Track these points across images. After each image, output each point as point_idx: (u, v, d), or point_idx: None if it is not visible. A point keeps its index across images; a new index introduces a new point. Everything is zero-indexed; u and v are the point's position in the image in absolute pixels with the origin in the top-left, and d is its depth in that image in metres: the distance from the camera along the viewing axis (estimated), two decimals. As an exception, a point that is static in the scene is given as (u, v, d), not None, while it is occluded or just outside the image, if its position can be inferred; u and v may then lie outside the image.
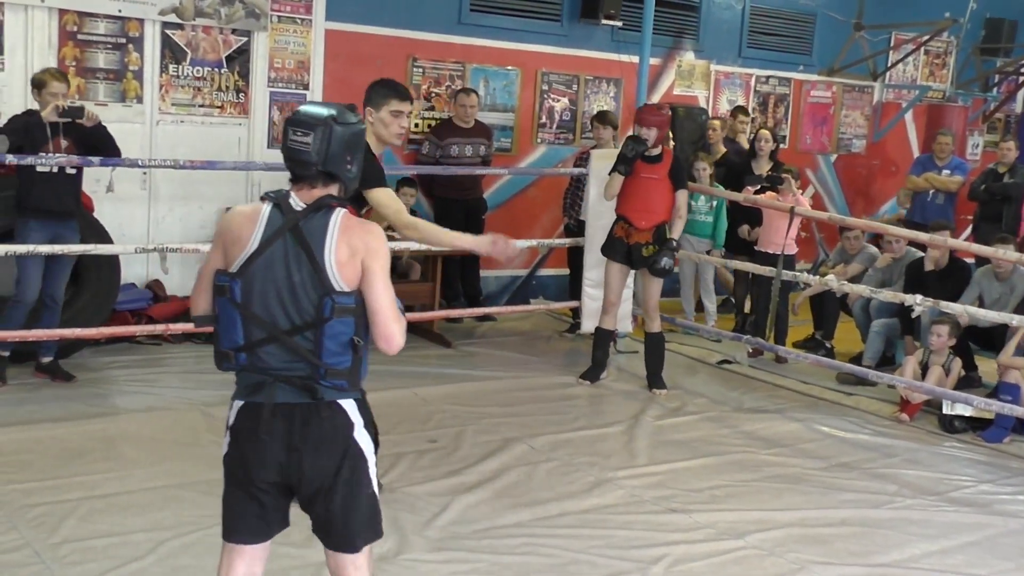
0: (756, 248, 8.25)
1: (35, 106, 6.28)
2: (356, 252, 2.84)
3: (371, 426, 2.99)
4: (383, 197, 4.43)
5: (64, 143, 6.19)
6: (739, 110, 10.04)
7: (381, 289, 2.86)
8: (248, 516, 2.94)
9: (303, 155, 2.88)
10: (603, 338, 7.19)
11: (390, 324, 2.88)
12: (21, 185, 6.18)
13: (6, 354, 6.32)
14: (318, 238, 2.83)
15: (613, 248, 6.95)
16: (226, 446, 2.97)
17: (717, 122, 9.80)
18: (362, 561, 2.99)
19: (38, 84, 6.20)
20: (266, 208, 2.91)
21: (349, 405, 2.90)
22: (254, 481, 2.90)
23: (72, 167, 6.23)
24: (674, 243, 6.80)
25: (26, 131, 6.09)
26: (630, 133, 7.00)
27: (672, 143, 9.05)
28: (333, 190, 2.94)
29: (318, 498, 2.90)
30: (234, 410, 2.96)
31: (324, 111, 2.92)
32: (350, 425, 2.90)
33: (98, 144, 6.31)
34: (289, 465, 2.86)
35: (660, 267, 6.72)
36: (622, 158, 6.81)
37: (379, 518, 3.00)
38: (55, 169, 6.15)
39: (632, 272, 7.12)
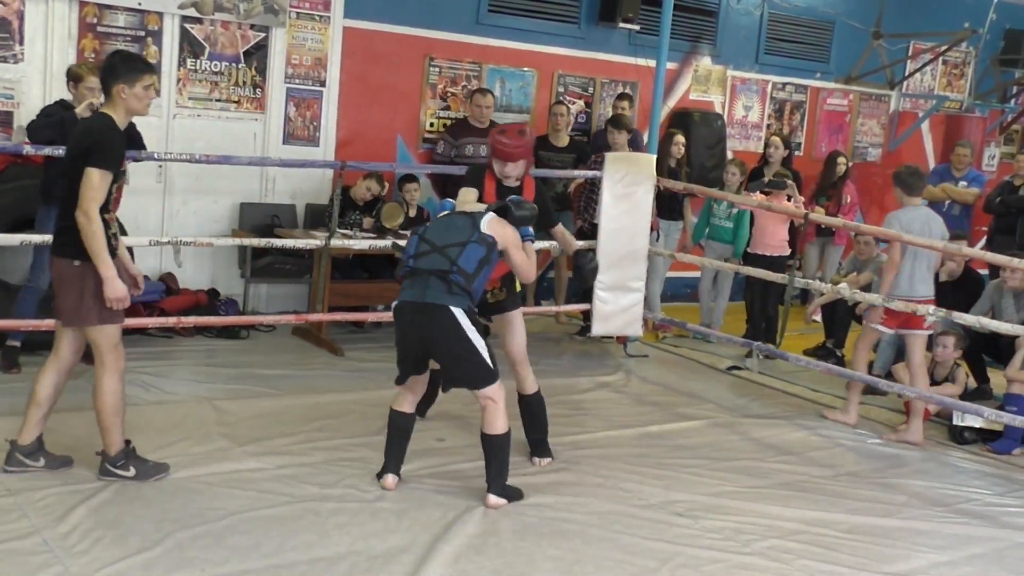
0: (747, 250, 8.34)
1: (68, 97, 6.31)
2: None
3: (476, 325, 4.72)
4: (93, 177, 4.44)
5: None
6: (623, 97, 9.35)
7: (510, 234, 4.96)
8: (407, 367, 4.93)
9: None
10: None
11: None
12: (47, 175, 6.21)
13: (17, 344, 6.39)
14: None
15: None
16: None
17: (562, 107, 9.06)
18: (491, 392, 4.80)
19: (75, 77, 6.22)
20: None
21: (459, 313, 4.67)
22: (407, 349, 4.83)
23: None
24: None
25: (61, 126, 6.09)
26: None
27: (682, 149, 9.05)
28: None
29: (446, 362, 4.85)
30: (395, 303, 4.82)
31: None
32: (459, 324, 4.67)
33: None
34: (425, 342, 4.74)
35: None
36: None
37: (487, 370, 4.78)
38: None
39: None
